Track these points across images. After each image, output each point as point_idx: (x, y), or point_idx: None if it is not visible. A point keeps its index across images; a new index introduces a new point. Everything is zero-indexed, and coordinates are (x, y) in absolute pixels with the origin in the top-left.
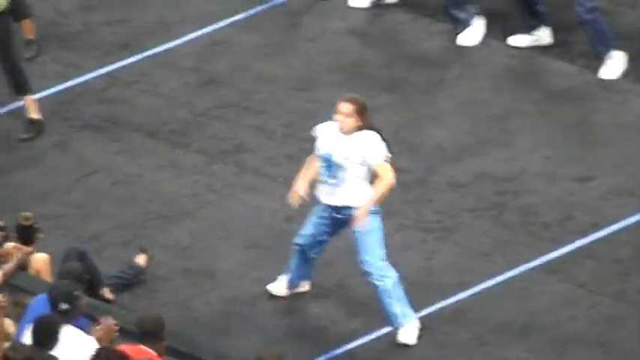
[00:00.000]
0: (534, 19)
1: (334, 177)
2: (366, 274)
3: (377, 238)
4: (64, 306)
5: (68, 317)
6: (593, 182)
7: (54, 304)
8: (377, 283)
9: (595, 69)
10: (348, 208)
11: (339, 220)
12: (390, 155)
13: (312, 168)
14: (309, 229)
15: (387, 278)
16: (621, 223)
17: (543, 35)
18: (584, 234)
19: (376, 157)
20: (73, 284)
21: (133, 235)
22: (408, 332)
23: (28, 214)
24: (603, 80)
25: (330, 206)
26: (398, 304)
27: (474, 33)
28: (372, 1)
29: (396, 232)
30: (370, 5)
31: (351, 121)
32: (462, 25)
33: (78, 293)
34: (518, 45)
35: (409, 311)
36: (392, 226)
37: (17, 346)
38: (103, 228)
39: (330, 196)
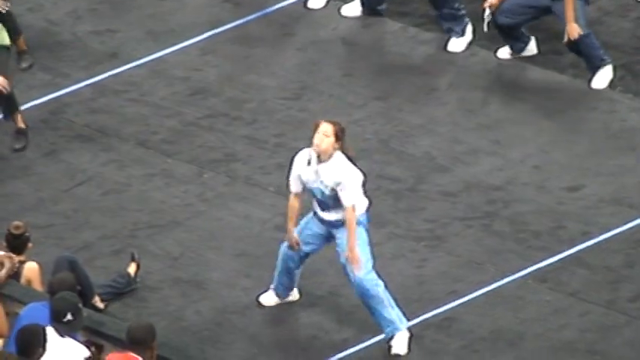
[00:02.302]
0: (521, 42)
1: (323, 203)
2: (357, 286)
3: (364, 251)
4: (69, 317)
5: (71, 328)
6: (583, 191)
7: (59, 314)
8: (371, 292)
9: (584, 78)
10: (340, 221)
11: (331, 232)
12: (363, 179)
13: (294, 206)
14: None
15: (378, 287)
16: (611, 232)
17: (530, 47)
18: (575, 243)
19: (348, 200)
20: (76, 295)
21: (123, 245)
22: (401, 341)
23: (18, 223)
24: (592, 90)
25: (322, 220)
26: (392, 310)
27: (463, 40)
28: (361, 9)
29: (387, 241)
30: (361, 14)
31: (330, 141)
32: (453, 33)
33: (80, 304)
34: (506, 57)
35: (403, 316)
36: (383, 235)
37: (3, 355)
38: (93, 237)
39: (322, 212)
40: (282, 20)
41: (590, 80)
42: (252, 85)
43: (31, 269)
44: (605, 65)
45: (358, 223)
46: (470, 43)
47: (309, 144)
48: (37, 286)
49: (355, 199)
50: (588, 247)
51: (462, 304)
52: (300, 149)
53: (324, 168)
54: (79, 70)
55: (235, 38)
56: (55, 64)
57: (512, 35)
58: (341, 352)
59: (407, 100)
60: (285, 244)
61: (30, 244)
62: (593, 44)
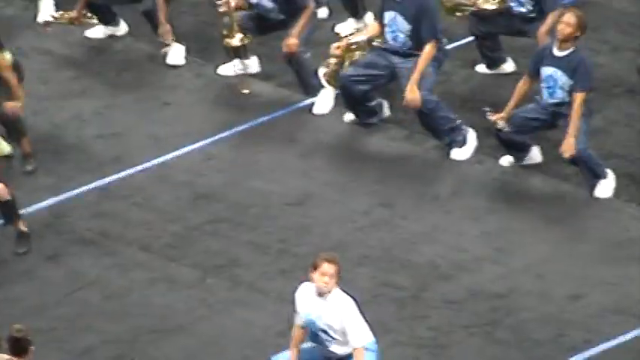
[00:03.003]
0: (525, 151)
1: (325, 338)
2: None
3: None
4: None
5: None
6: (586, 300)
7: None
8: None
9: (587, 187)
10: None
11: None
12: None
13: (298, 336)
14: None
15: None
16: (614, 341)
17: (534, 155)
18: (578, 351)
19: (358, 341)
20: None
21: (125, 350)
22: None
23: (19, 326)
24: (596, 199)
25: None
26: None
27: (467, 149)
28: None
29: (389, 349)
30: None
31: (334, 282)
32: (454, 144)
33: None
34: (508, 165)
35: None
36: (386, 342)
37: None
38: (95, 342)
39: (324, 347)
40: (286, 126)
41: (594, 190)
42: (256, 190)
43: None
44: (606, 176)
45: (368, 349)
46: (472, 151)
47: (313, 250)
48: None
49: (368, 337)
50: (591, 356)
51: None
52: (304, 255)
53: (325, 306)
54: (83, 174)
55: (239, 143)
56: (60, 168)
57: (515, 146)
58: None
59: (411, 207)
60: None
61: (32, 348)
62: (591, 158)
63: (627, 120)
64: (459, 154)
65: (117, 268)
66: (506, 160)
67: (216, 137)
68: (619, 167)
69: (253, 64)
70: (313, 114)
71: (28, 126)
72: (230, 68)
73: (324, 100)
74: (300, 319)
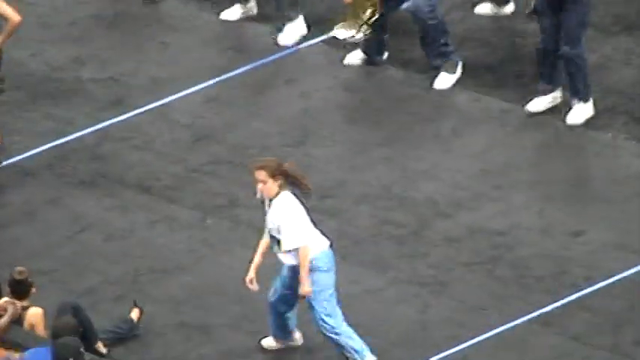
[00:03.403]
0: (554, 81)
1: (275, 243)
2: (322, 328)
3: (323, 297)
4: None
5: None
6: (586, 236)
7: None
8: (333, 337)
9: (588, 125)
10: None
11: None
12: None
13: (262, 244)
14: (275, 282)
15: (337, 329)
16: (615, 277)
17: (557, 95)
18: (578, 287)
19: (285, 243)
20: (78, 340)
21: (126, 290)
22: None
23: (21, 268)
24: (596, 137)
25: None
26: (356, 341)
27: (451, 78)
28: (363, 59)
29: (390, 286)
30: (363, 64)
31: (269, 186)
32: (442, 69)
33: (82, 349)
34: (537, 110)
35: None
36: (386, 280)
37: None
38: (96, 283)
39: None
40: (285, 68)
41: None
42: (256, 131)
43: (34, 314)
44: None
45: (313, 269)
46: (457, 81)
47: (313, 190)
48: (41, 331)
49: (297, 242)
50: (592, 291)
51: (466, 348)
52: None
53: (270, 210)
54: (82, 117)
55: (239, 85)
56: (59, 111)
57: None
58: None
59: (410, 146)
60: (272, 289)
61: (33, 290)
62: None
63: (626, 57)
64: (442, 82)
65: (117, 209)
66: (484, 8)
67: (216, 79)
68: (618, 105)
69: (252, 6)
70: (305, 53)
71: (27, 70)
72: (234, 13)
73: (293, 31)
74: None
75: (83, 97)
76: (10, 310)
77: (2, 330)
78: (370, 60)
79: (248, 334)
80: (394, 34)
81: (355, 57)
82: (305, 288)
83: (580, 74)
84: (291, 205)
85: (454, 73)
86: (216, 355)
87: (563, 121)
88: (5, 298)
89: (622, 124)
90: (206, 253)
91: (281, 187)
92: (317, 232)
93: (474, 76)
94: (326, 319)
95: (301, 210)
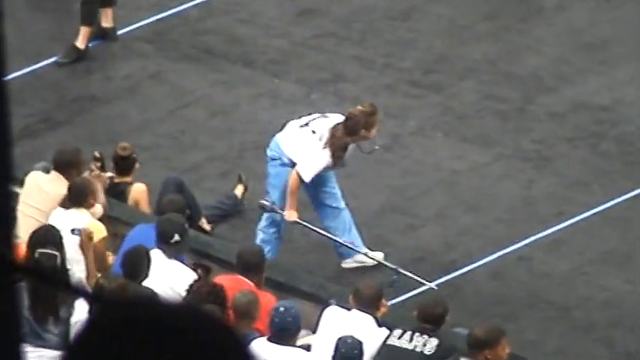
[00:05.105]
0: None
1: None
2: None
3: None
4: (176, 238)
5: (178, 249)
6: None
7: (166, 235)
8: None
9: None
10: None
11: None
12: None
13: None
14: None
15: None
16: None
17: None
18: None
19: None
20: (182, 217)
21: (230, 166)
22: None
23: (125, 144)
24: None
25: None
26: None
27: None
28: None
29: (494, 162)
30: None
31: None
32: None
33: (187, 226)
34: None
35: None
36: (490, 156)
37: (110, 277)
38: (200, 159)
39: None
40: None
41: None
42: (361, 4)
43: (138, 190)
44: None
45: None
46: None
47: (417, 65)
48: (145, 207)
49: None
50: None
51: (570, 225)
52: (409, 69)
53: None
54: None
55: None
56: None
57: None
58: (450, 273)
59: (514, 20)
60: None
61: (137, 166)
62: None
63: None
64: None
65: (221, 84)
66: None
67: None
68: None
69: None
70: None
71: None
72: None
73: None
74: None
75: None
76: (99, 186)
77: (104, 206)
78: None
79: None
80: None
81: None
82: None
83: None
84: None
85: None
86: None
87: None
88: (107, 174)
89: None
90: None
91: None
92: None
93: None
94: None
95: None
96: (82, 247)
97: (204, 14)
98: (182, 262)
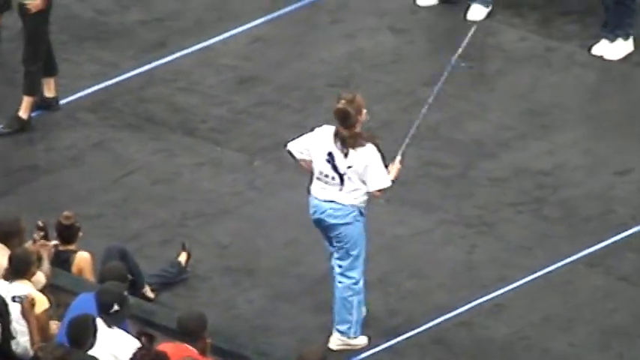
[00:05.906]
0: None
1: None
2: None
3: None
4: (115, 307)
5: (118, 318)
6: (633, 175)
7: (105, 305)
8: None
9: (633, 62)
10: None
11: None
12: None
13: None
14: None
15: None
16: None
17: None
18: (625, 227)
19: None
20: (121, 285)
21: (172, 234)
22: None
23: (68, 213)
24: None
25: None
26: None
27: (485, 10)
28: None
29: (436, 227)
30: (438, 2)
31: None
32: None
33: (126, 294)
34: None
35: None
36: (433, 221)
37: (50, 346)
38: (143, 227)
39: None
40: (329, 8)
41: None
42: (301, 72)
43: (82, 259)
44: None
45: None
46: (490, 13)
47: None
48: (89, 275)
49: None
50: (638, 231)
51: (512, 289)
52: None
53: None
54: (127, 60)
55: (284, 26)
56: (104, 54)
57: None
58: (392, 338)
59: (456, 86)
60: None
61: (81, 234)
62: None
63: None
64: (475, 13)
65: (163, 153)
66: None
67: (261, 20)
68: None
69: None
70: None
71: (73, 13)
72: None
73: None
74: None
75: (128, 40)
76: (45, 254)
77: (47, 275)
78: None
79: (295, 277)
80: None
81: None
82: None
83: (628, 10)
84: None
85: (489, 6)
86: (263, 299)
87: (610, 61)
88: (50, 243)
89: None
90: (252, 196)
91: None
92: None
93: (520, 14)
94: (348, 273)
95: None
96: (24, 314)
97: (145, 83)
98: (125, 329)
